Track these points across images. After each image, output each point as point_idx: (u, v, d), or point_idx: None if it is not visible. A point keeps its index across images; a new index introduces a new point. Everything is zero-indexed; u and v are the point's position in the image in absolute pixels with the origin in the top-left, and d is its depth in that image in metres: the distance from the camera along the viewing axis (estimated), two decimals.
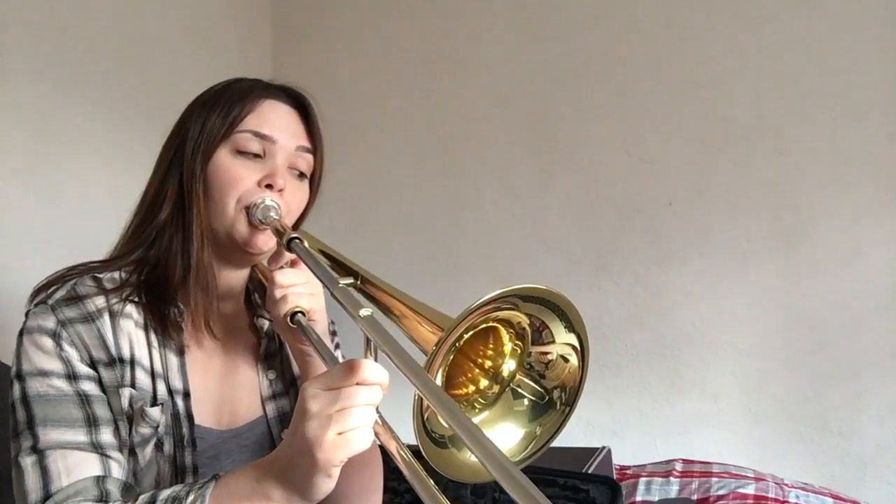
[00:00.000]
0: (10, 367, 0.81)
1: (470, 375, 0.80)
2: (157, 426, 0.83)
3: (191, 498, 0.69)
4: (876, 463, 1.78)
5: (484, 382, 0.80)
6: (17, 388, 0.79)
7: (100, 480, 0.77)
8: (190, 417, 0.86)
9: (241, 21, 2.49)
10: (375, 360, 0.68)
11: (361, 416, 0.63)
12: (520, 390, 0.79)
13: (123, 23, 1.97)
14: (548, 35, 2.20)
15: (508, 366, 0.79)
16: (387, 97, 2.43)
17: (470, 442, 0.52)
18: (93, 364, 0.81)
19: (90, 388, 0.80)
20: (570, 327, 0.74)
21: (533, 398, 0.78)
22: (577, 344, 0.75)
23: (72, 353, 0.80)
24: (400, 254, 2.32)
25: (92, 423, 0.79)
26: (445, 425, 0.70)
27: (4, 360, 1.36)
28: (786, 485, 1.64)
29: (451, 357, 0.73)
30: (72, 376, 0.79)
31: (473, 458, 0.72)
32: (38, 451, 0.76)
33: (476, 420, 0.78)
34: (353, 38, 2.49)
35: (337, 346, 1.05)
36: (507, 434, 0.78)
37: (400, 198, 2.39)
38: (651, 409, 2.03)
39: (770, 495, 1.56)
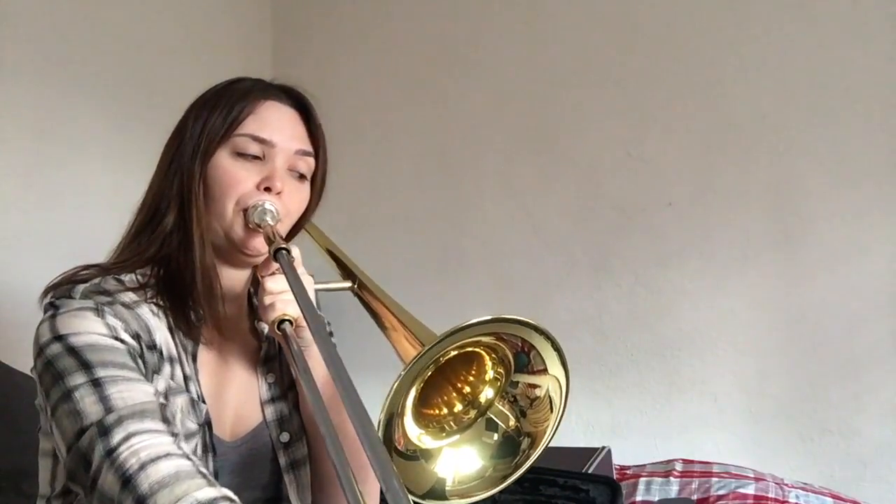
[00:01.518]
0: (10, 366, 0.81)
1: (446, 398, 0.79)
2: (202, 423, 0.83)
3: None
4: (876, 463, 1.78)
5: (458, 407, 0.79)
6: (56, 345, 0.72)
7: (164, 408, 0.73)
8: (209, 423, 0.86)
9: (241, 21, 2.49)
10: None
11: None
12: (496, 421, 0.78)
13: (124, 23, 1.98)
14: (548, 35, 2.20)
15: (486, 393, 0.78)
16: (387, 97, 2.43)
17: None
18: (137, 339, 0.78)
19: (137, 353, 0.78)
20: (562, 361, 0.73)
21: (506, 432, 0.77)
22: (563, 381, 0.74)
23: (116, 324, 0.77)
24: (400, 254, 2.32)
25: (145, 375, 0.76)
26: (414, 440, 0.71)
27: (4, 359, 1.37)
28: (786, 485, 1.64)
29: (428, 374, 0.72)
30: (119, 340, 0.76)
31: (440, 473, 0.72)
32: (94, 381, 0.69)
33: (441, 443, 0.77)
34: (354, 38, 2.49)
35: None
36: (466, 461, 0.77)
37: (400, 198, 2.39)
38: (651, 409, 2.03)
39: (770, 495, 1.56)
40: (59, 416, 0.70)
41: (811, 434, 1.84)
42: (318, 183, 0.96)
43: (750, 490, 1.58)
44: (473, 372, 0.79)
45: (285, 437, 0.94)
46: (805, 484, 1.67)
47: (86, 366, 0.71)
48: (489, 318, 0.66)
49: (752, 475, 1.66)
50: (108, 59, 1.91)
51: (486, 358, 0.77)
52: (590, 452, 1.72)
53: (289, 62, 2.53)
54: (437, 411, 0.79)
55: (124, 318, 0.78)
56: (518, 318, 0.69)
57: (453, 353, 0.73)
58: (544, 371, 0.75)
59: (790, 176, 1.89)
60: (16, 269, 1.62)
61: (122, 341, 0.76)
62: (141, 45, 2.02)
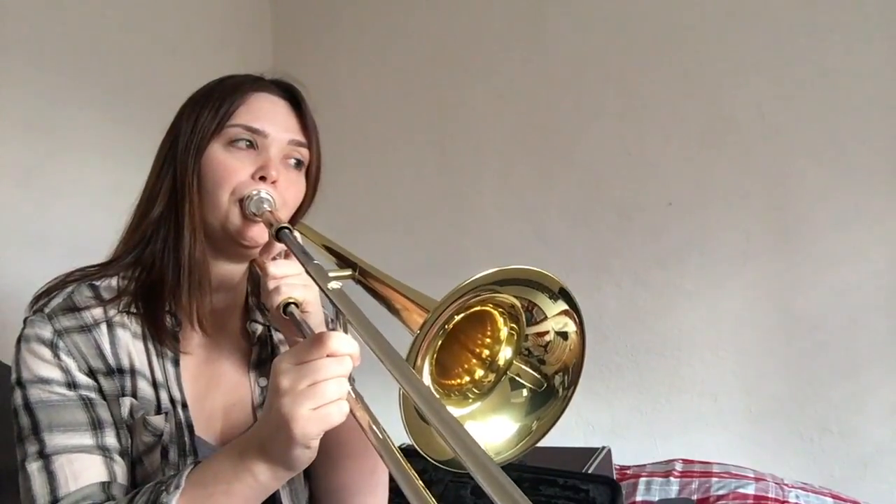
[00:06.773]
0: (9, 366, 0.81)
1: (466, 366, 0.77)
2: (161, 434, 0.83)
3: (171, 480, 0.71)
4: (876, 463, 1.78)
5: (479, 372, 0.77)
6: (18, 394, 0.79)
7: (106, 486, 0.77)
8: (190, 427, 0.86)
9: (241, 21, 2.49)
10: (345, 332, 0.69)
11: (333, 389, 0.64)
12: (519, 379, 0.76)
13: (123, 23, 1.97)
14: (548, 35, 2.20)
15: (504, 353, 0.76)
16: (387, 97, 2.43)
17: (446, 433, 0.50)
18: (91, 373, 0.81)
19: (91, 394, 0.81)
20: (554, 295, 0.71)
21: (533, 387, 0.75)
22: (568, 307, 0.71)
23: (70, 363, 0.80)
24: (400, 253, 2.32)
25: (97, 425, 0.80)
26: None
27: (3, 359, 1.36)
28: (786, 485, 1.64)
29: (439, 342, 0.71)
30: (72, 385, 0.80)
31: None
32: (45, 456, 0.76)
33: (467, 410, 0.75)
34: (354, 37, 2.49)
35: None
36: (499, 427, 0.75)
37: (400, 197, 2.39)
38: (651, 409, 2.03)
39: (770, 495, 1.56)
40: (20, 480, 0.78)
41: (811, 434, 1.84)
42: (313, 174, 0.95)
43: (750, 490, 1.58)
44: (489, 333, 0.77)
45: None
46: (805, 484, 1.67)
47: (37, 429, 0.77)
48: (491, 271, 0.64)
49: (752, 475, 1.66)
50: (107, 59, 1.91)
51: (497, 315, 0.75)
52: (590, 452, 1.72)
53: (289, 62, 2.53)
54: (458, 381, 0.77)
55: (79, 352, 0.81)
56: (517, 268, 0.67)
57: (459, 316, 0.70)
58: (545, 318, 0.73)
59: (790, 176, 1.89)
60: (14, 268, 1.62)
61: (75, 386, 0.80)
62: (140, 45, 2.02)
